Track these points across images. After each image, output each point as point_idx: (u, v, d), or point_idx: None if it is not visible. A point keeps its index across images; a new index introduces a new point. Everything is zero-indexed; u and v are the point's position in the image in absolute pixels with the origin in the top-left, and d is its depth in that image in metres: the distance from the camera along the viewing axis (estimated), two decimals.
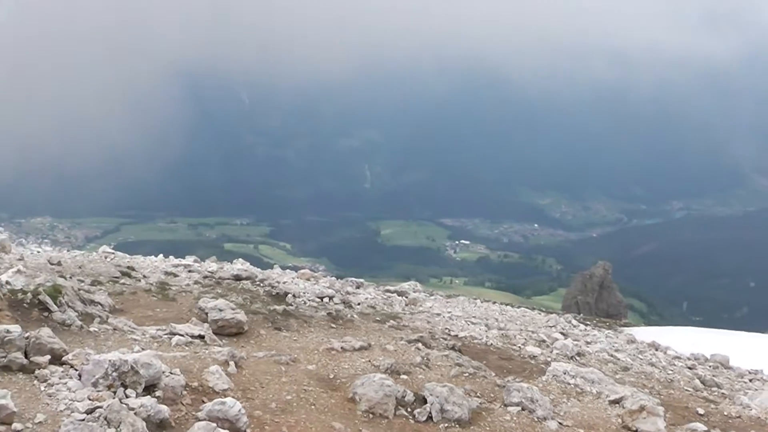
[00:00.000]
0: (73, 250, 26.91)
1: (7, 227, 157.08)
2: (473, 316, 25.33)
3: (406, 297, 27.21)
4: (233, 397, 10.82)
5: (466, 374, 14.70)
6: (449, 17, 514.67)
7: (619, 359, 21.64)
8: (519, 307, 37.73)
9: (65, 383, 10.10)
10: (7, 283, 13.99)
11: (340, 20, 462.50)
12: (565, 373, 15.68)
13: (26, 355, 10.71)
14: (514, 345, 20.63)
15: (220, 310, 15.66)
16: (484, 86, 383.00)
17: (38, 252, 23.98)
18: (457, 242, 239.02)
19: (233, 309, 15.90)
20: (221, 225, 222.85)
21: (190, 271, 22.27)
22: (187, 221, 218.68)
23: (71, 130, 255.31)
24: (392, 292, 27.73)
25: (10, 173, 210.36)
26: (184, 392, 10.79)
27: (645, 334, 32.83)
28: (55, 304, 13.68)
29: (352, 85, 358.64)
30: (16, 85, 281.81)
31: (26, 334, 10.99)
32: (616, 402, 14.24)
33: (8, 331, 10.77)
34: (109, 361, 10.17)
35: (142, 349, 12.73)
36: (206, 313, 15.72)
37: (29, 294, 13.67)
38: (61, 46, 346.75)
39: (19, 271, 15.04)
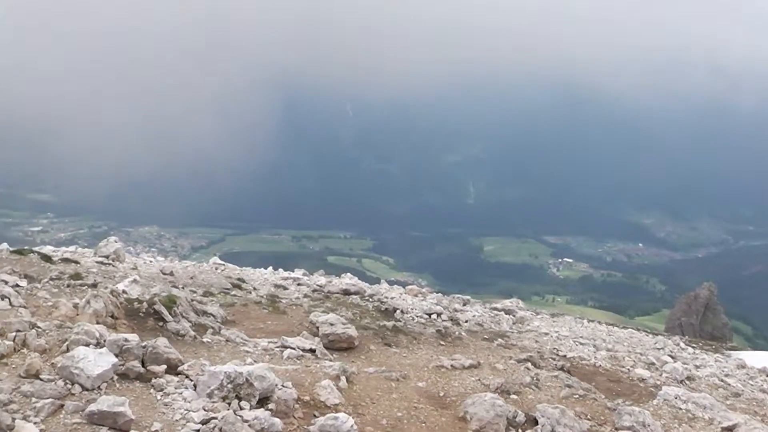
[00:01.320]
0: (184, 261, 27.35)
1: (116, 235, 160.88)
2: (581, 337, 24.93)
3: (513, 315, 26.95)
4: (345, 412, 10.82)
5: (576, 396, 14.46)
6: (549, 33, 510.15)
7: (729, 384, 21.06)
8: (626, 328, 37.03)
9: (181, 393, 10.22)
10: (124, 292, 14.27)
11: (441, 35, 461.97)
12: (676, 398, 15.33)
13: (143, 364, 10.87)
14: (623, 367, 20.23)
15: (331, 325, 15.71)
16: (585, 102, 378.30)
17: (150, 261, 24.44)
18: (560, 260, 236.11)
19: (344, 324, 15.94)
20: (324, 238, 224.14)
21: (299, 285, 22.42)
22: (290, 233, 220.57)
23: (174, 140, 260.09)
24: (499, 310, 27.48)
25: (120, 183, 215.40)
26: (296, 406, 10.83)
27: (754, 359, 31.90)
28: (170, 314, 13.89)
29: (455, 100, 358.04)
30: (119, 95, 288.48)
31: (143, 344, 11.17)
32: (729, 429, 13.86)
33: (126, 340, 10.96)
34: (225, 372, 10.27)
35: (255, 361, 12.83)
36: (317, 327, 15.79)
37: (145, 303, 13.92)
38: (161, 57, 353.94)
39: (135, 280, 15.33)
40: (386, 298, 22.33)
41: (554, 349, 20.93)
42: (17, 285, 14.87)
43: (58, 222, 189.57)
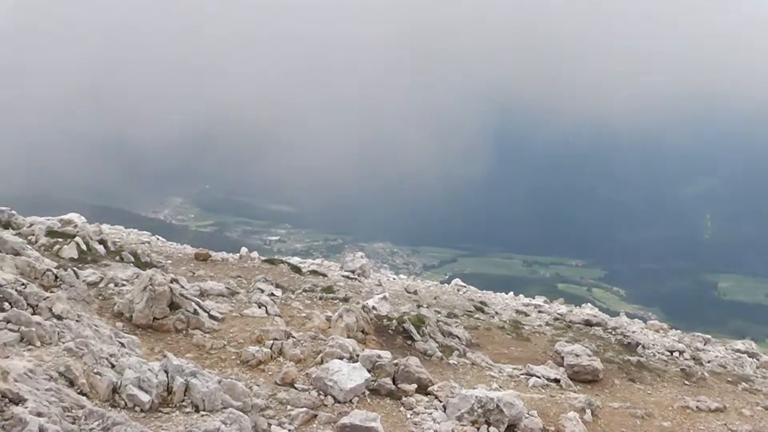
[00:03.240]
0: (426, 280, 27.60)
1: (350, 250, 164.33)
2: None
3: (757, 359, 25.64)
4: None
5: None
6: None
7: None
8: None
9: (430, 413, 10.28)
10: (374, 308, 14.51)
11: (674, 53, 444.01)
12: None
13: (394, 382, 11.01)
14: None
15: (577, 356, 15.42)
16: None
17: (393, 279, 24.78)
18: None
19: (589, 356, 15.61)
20: (555, 264, 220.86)
21: (540, 312, 22.18)
22: (522, 258, 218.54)
23: (396, 155, 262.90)
24: (742, 352, 26.22)
25: (355, 197, 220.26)
26: None
27: None
28: (418, 333, 14.03)
29: (694, 129, 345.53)
30: (342, 108, 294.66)
31: (395, 361, 11.31)
32: None
33: (379, 357, 11.13)
34: (476, 397, 10.24)
35: (500, 386, 12.76)
36: (562, 357, 15.52)
37: (394, 321, 14.11)
38: (373, 70, 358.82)
39: (384, 297, 15.56)
40: (628, 332, 21.76)
41: None
42: (272, 294, 15.43)
43: (295, 233, 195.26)
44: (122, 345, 9.93)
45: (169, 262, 18.31)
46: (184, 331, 12.15)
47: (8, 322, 9.34)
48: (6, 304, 9.87)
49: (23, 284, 10.54)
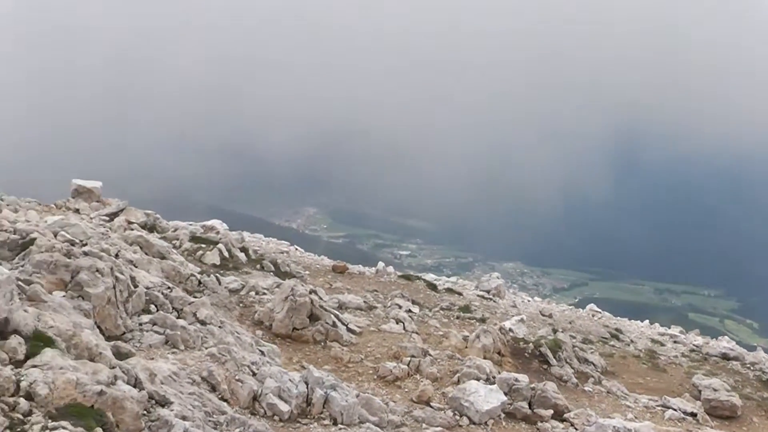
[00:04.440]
0: (560, 303, 27.29)
1: (480, 268, 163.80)
2: None
3: None
4: None
5: None
6: None
7: None
8: None
9: None
10: (511, 330, 14.37)
11: None
12: None
13: (530, 406, 10.87)
14: None
15: (715, 390, 14.95)
16: None
17: (528, 301, 24.56)
18: None
19: (728, 391, 15.12)
20: (688, 293, 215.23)
21: (675, 342, 21.65)
22: (653, 285, 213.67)
23: (522, 174, 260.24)
24: None
25: (485, 216, 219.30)
26: None
27: None
28: (555, 358, 13.83)
29: None
30: (466, 124, 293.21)
31: (532, 385, 11.17)
32: None
33: (517, 380, 11.01)
34: (613, 426, 10.06)
35: (635, 417, 12.47)
36: (699, 391, 15.08)
37: (531, 344, 13.95)
38: (501, 87, 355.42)
39: (522, 320, 15.42)
40: (767, 367, 21.02)
41: None
42: (410, 311, 15.42)
43: (426, 248, 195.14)
44: (262, 353, 10.06)
45: (307, 272, 18.50)
46: (322, 343, 12.25)
47: (154, 324, 9.57)
48: (152, 307, 10.12)
49: (169, 288, 10.80)
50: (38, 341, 6.53)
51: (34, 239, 9.53)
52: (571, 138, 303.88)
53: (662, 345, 20.74)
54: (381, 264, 21.74)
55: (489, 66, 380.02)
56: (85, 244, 10.26)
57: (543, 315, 20.33)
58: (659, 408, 13.65)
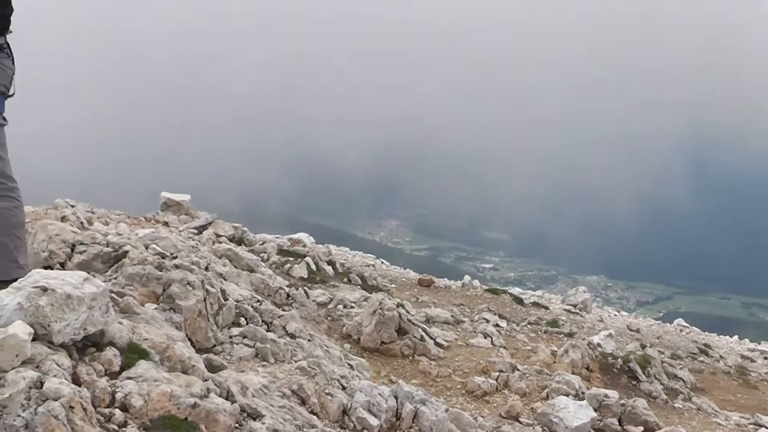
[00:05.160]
0: (647, 318, 26.95)
1: (563, 281, 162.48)
2: None
3: None
4: None
5: None
6: None
7: None
8: None
9: None
10: (599, 345, 14.21)
11: None
12: None
13: (620, 422, 10.72)
14: None
15: None
16: None
17: (615, 315, 24.30)
18: None
19: None
20: None
21: (765, 358, 21.21)
22: (740, 299, 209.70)
23: (613, 191, 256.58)
24: None
25: (566, 228, 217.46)
26: None
27: None
28: (644, 373, 13.62)
29: None
30: (539, 135, 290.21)
31: (622, 401, 11.02)
32: None
33: (606, 396, 10.87)
34: None
35: None
36: None
37: (619, 360, 13.76)
38: (578, 94, 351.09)
39: (610, 335, 15.25)
40: None
41: None
42: (497, 325, 15.36)
43: (509, 261, 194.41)
44: (351, 367, 10.05)
45: (393, 286, 18.57)
46: (410, 357, 12.24)
47: (244, 337, 9.62)
48: (242, 320, 10.19)
49: (258, 301, 10.86)
50: (133, 353, 6.59)
51: (127, 252, 9.67)
52: (649, 148, 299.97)
53: (752, 361, 20.32)
54: (467, 278, 21.75)
55: (564, 79, 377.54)
56: (176, 257, 10.38)
57: (630, 330, 20.09)
58: (751, 426, 13.35)
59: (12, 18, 6.93)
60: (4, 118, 6.92)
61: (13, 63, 6.94)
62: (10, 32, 6.93)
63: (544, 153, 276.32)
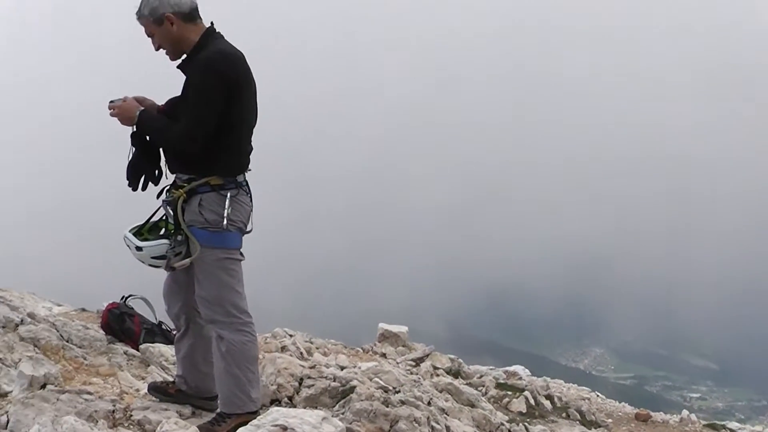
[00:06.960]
0: None
1: None
2: None
3: None
4: None
5: None
6: None
7: None
8: None
9: None
10: None
11: None
12: None
13: None
14: None
15: None
16: None
17: None
18: None
19: None
20: None
21: None
22: None
23: None
24: None
25: None
26: None
27: None
28: None
29: None
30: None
31: None
32: None
33: None
34: None
35: None
36: None
37: None
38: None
39: None
40: None
41: None
42: None
43: (717, 391, 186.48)
44: None
45: (610, 420, 18.04)
46: None
47: None
48: None
49: None
50: None
51: (354, 387, 9.77)
52: None
53: None
54: (685, 412, 20.97)
55: (744, 190, 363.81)
56: (398, 392, 10.42)
57: None
58: None
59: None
60: (241, 254, 7.16)
61: (251, 200, 7.19)
62: (249, 170, 7.20)
63: (750, 275, 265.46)
